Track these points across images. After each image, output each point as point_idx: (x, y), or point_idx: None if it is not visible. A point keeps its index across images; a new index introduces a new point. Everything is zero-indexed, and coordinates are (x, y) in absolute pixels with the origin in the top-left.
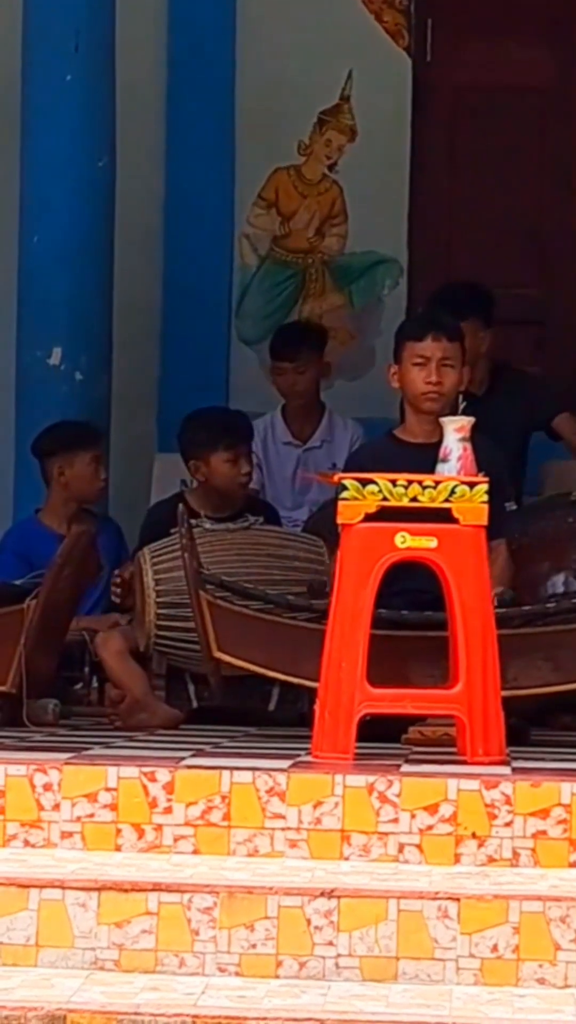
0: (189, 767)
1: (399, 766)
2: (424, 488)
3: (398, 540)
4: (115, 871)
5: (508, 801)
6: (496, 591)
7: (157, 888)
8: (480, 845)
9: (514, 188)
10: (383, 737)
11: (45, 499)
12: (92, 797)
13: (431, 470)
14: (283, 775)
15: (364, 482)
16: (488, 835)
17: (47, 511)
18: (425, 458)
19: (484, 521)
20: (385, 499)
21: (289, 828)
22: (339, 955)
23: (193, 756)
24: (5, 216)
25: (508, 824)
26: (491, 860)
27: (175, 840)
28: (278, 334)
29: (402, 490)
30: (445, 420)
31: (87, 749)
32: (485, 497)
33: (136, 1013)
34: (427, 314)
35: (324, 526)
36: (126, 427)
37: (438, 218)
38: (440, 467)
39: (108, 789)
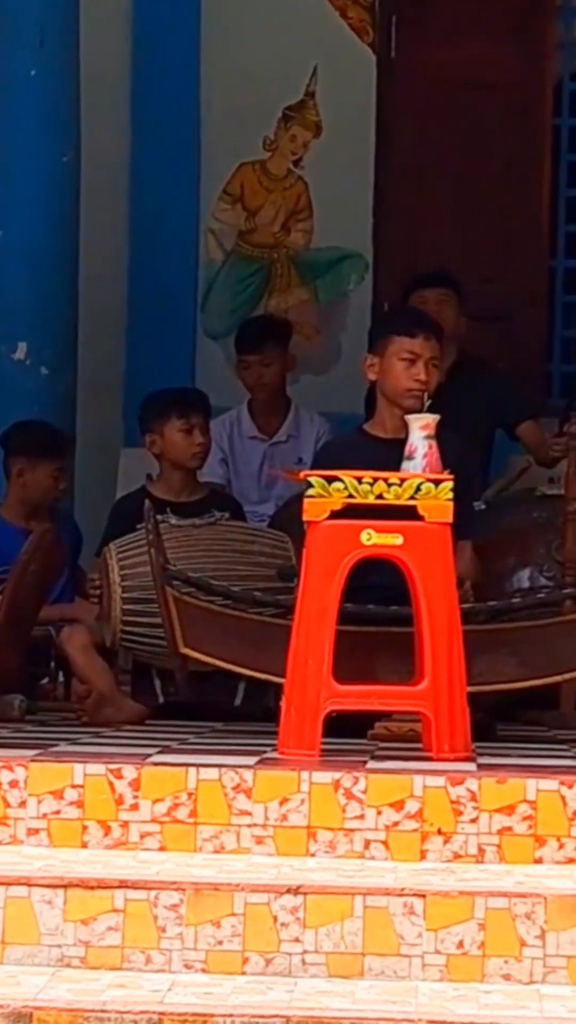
0: (155, 764)
1: (365, 762)
2: (390, 485)
3: (364, 537)
4: (81, 868)
5: (474, 797)
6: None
7: (123, 885)
8: (446, 841)
9: (480, 183)
10: (350, 732)
11: (4, 493)
12: (58, 794)
13: (400, 464)
14: (249, 772)
15: (330, 479)
16: (454, 831)
17: (6, 506)
18: (394, 453)
19: (449, 518)
20: (351, 496)
21: (255, 825)
22: (305, 952)
23: (159, 753)
24: None
25: (474, 820)
26: (457, 856)
27: (141, 837)
28: (243, 328)
29: (368, 487)
30: (410, 418)
31: (53, 745)
32: (450, 495)
33: (102, 1010)
34: (415, 311)
35: (290, 522)
36: (92, 421)
37: (403, 214)
38: (405, 464)
39: (74, 786)
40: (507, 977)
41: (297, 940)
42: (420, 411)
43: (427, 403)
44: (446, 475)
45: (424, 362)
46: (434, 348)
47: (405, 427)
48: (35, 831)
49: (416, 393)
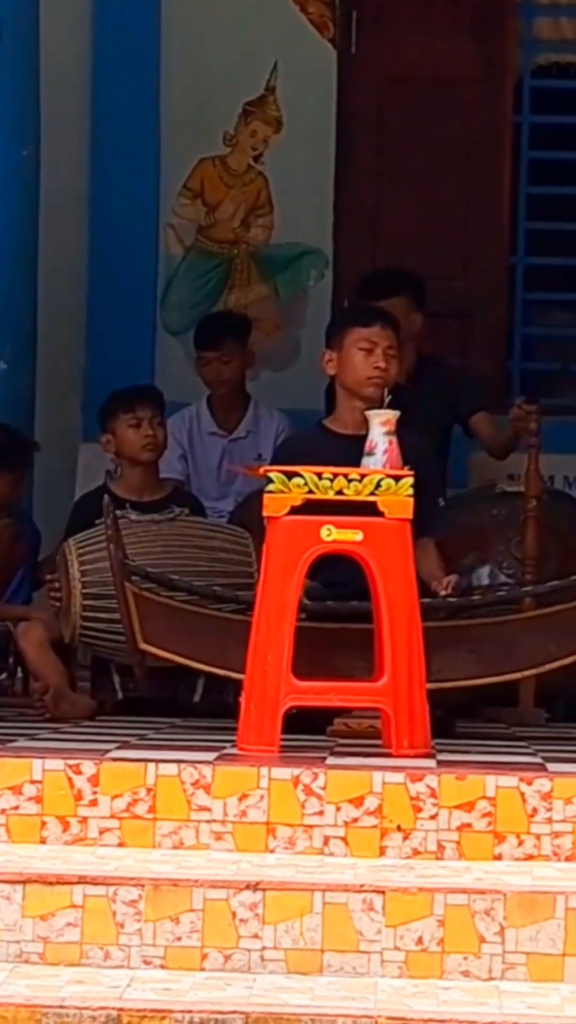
0: (114, 759)
1: (324, 759)
2: (350, 481)
3: (324, 533)
4: (40, 864)
5: (433, 794)
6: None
7: (82, 881)
8: (405, 838)
9: (440, 180)
10: (309, 729)
11: None
12: (17, 789)
13: (360, 461)
14: (209, 767)
15: (290, 475)
16: (413, 828)
17: None
18: (355, 449)
19: (409, 514)
20: (311, 492)
21: (215, 820)
22: (264, 948)
23: (118, 748)
24: None
25: (433, 817)
26: (416, 853)
27: (100, 833)
28: (202, 324)
29: (328, 483)
30: (371, 413)
31: (12, 741)
32: (410, 491)
33: (61, 1006)
34: (370, 303)
35: (250, 518)
36: (51, 416)
37: (363, 210)
38: (366, 460)
39: (33, 781)
40: (466, 974)
41: (256, 936)
42: (381, 403)
43: (387, 399)
44: (406, 471)
45: (382, 350)
46: (391, 337)
47: (365, 423)
48: None
49: (376, 380)
